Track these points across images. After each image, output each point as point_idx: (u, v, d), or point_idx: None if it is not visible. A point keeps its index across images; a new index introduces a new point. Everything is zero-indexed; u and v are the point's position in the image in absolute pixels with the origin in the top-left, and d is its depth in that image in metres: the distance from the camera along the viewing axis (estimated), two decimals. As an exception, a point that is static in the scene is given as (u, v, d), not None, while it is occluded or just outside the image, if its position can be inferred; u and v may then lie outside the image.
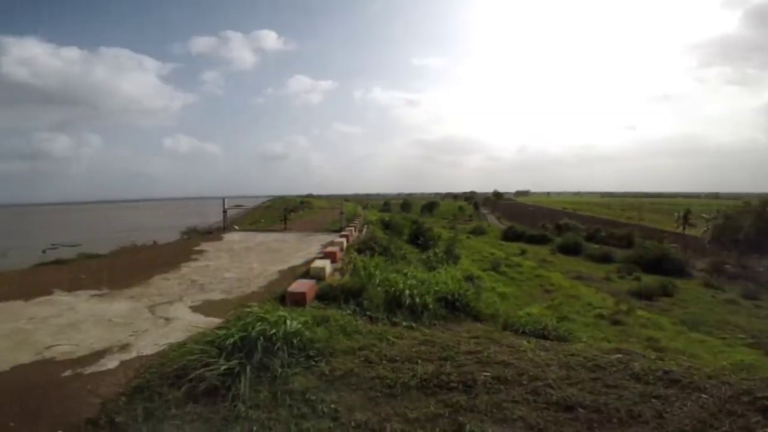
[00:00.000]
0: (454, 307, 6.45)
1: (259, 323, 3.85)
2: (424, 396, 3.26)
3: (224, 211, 15.70)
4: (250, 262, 8.79)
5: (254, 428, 2.89)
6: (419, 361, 3.79)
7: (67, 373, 3.65)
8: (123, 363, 3.84)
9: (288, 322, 3.97)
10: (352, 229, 13.87)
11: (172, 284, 6.92)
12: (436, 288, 6.68)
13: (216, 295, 6.24)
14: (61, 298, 6.02)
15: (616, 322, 13.27)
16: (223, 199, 15.98)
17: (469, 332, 5.15)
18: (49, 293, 6.18)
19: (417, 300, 5.95)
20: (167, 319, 5.12)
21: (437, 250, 14.40)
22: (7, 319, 5.01)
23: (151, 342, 4.35)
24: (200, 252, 10.17)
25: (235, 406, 3.10)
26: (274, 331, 3.81)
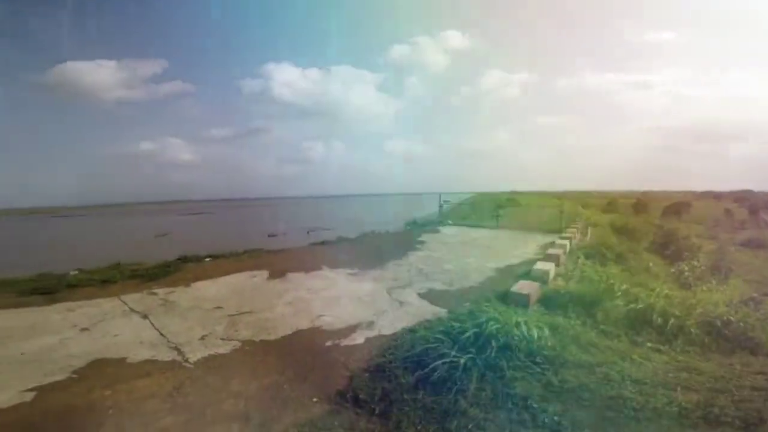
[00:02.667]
0: (719, 334, 5.11)
1: (492, 322, 3.79)
2: (680, 426, 2.81)
3: (440, 206, 16.82)
4: (466, 256, 8.98)
5: (469, 426, 2.84)
6: (678, 389, 3.25)
7: (329, 343, 4.38)
8: (368, 340, 4.41)
9: (524, 326, 3.77)
10: (575, 230, 12.42)
11: (402, 270, 7.72)
12: (699, 309, 5.38)
13: (438, 285, 6.59)
14: (327, 273, 7.54)
15: None
16: (440, 195, 17.15)
17: (745, 365, 4.05)
18: (320, 269, 7.83)
19: (672, 321, 4.89)
20: (401, 303, 5.70)
21: (695, 264, 11.29)
22: (294, 288, 6.56)
23: (388, 323, 4.88)
24: (422, 243, 11.10)
25: (456, 400, 3.10)
26: (507, 332, 3.68)
